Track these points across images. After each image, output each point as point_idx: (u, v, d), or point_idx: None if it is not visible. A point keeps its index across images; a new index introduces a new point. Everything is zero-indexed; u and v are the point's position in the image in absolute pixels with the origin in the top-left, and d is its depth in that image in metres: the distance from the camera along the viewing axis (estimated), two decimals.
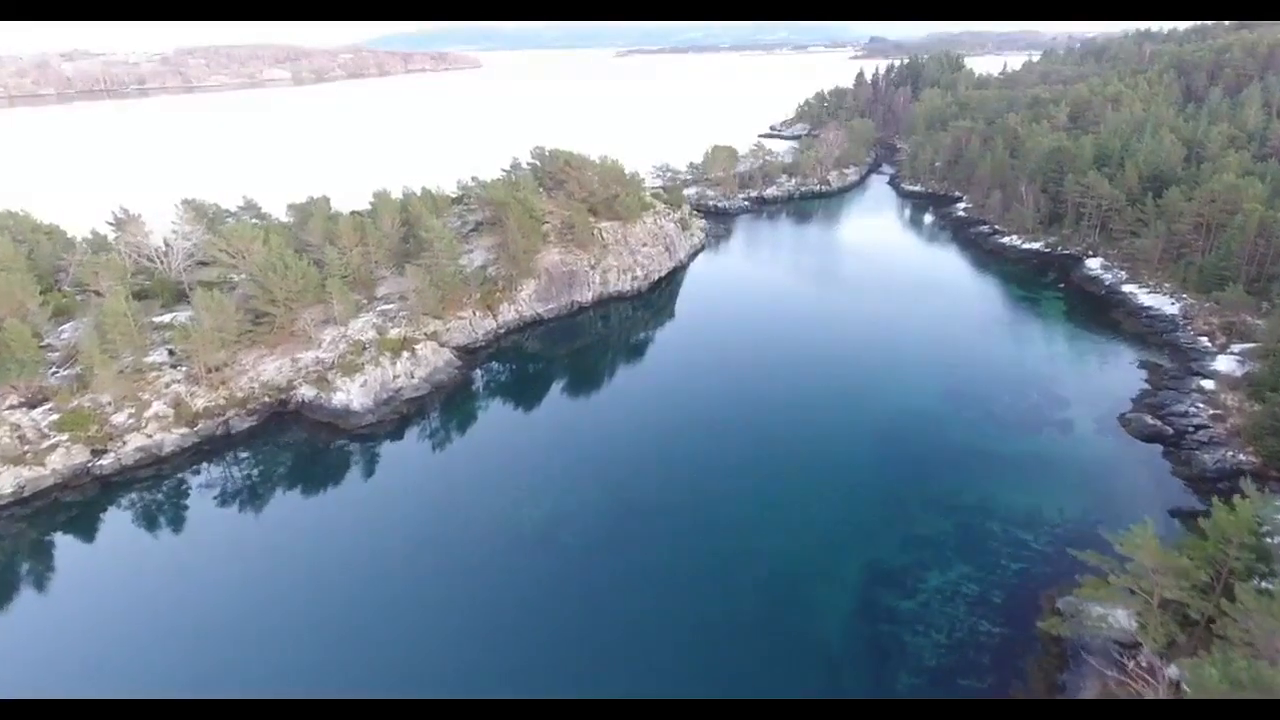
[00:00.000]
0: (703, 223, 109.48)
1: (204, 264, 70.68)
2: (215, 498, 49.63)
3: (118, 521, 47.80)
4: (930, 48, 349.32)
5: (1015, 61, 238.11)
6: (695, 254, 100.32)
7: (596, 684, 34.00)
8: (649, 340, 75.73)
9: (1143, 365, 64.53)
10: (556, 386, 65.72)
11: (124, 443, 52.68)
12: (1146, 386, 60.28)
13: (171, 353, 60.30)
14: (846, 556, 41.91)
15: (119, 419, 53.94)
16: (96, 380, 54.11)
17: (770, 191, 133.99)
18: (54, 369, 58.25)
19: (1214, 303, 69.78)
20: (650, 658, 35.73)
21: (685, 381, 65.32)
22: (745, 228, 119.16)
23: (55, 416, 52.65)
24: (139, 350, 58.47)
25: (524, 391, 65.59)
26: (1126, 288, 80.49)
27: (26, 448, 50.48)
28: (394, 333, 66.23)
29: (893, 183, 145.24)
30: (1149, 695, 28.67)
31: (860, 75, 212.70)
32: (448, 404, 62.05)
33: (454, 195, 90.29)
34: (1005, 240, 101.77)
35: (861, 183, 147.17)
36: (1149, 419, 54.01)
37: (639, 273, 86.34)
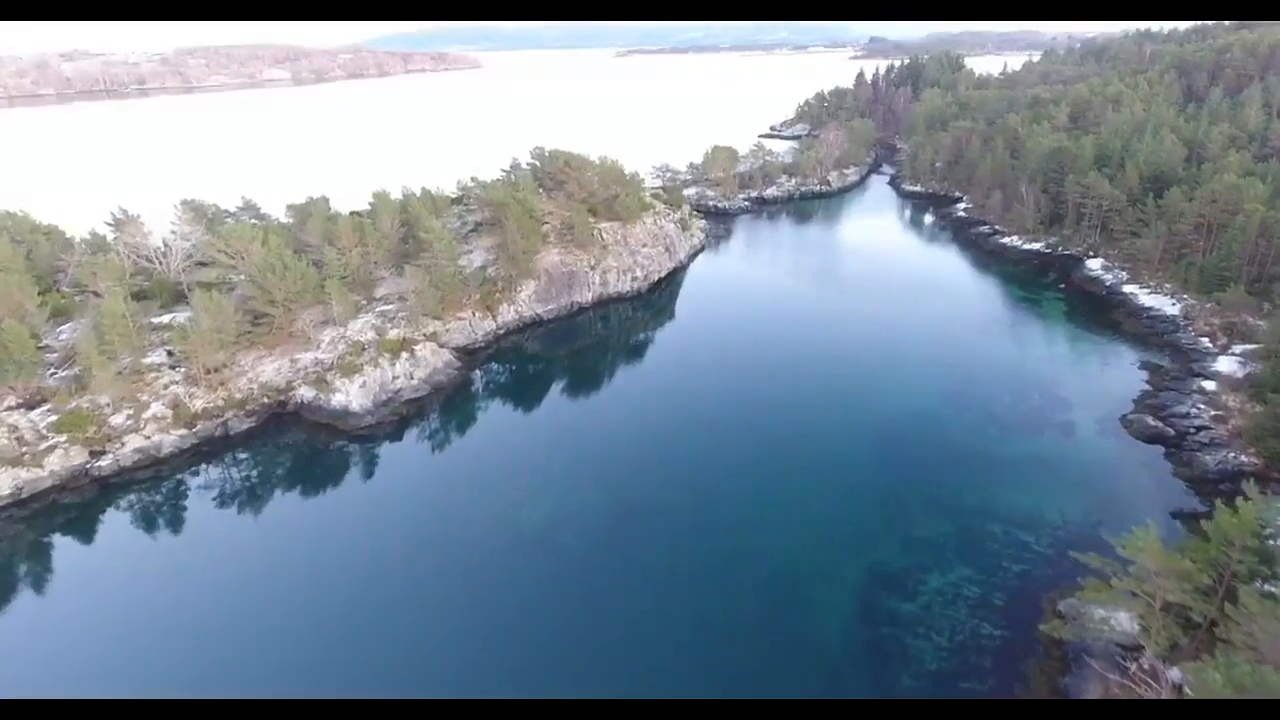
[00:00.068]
0: (703, 223, 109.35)
1: (203, 265, 70.54)
2: (214, 499, 49.50)
3: (116, 523, 47.66)
4: (930, 48, 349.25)
5: (1015, 62, 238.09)
6: (695, 254, 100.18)
7: (596, 684, 33.96)
8: (649, 341, 75.59)
9: (1144, 366, 64.41)
10: (556, 387, 65.58)
11: (122, 444, 52.55)
12: (1148, 387, 60.14)
13: (170, 354, 60.17)
14: (847, 557, 41.81)
15: (117, 420, 53.80)
16: (95, 381, 53.97)
17: (770, 192, 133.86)
18: (52, 370, 58.10)
19: (1215, 303, 69.65)
20: (650, 658, 35.67)
21: (685, 382, 65.19)
22: (745, 228, 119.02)
23: (53, 418, 52.50)
24: (137, 351, 58.33)
25: (523, 392, 65.46)
26: (1127, 288, 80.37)
27: (24, 449, 50.34)
28: (393, 334, 66.09)
29: (893, 183, 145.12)
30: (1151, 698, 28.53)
31: (860, 75, 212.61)
32: (447, 405, 61.91)
33: (453, 196, 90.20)
34: (1006, 241, 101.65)
35: (862, 183, 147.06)
36: (1150, 420, 53.88)
37: (639, 273, 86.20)
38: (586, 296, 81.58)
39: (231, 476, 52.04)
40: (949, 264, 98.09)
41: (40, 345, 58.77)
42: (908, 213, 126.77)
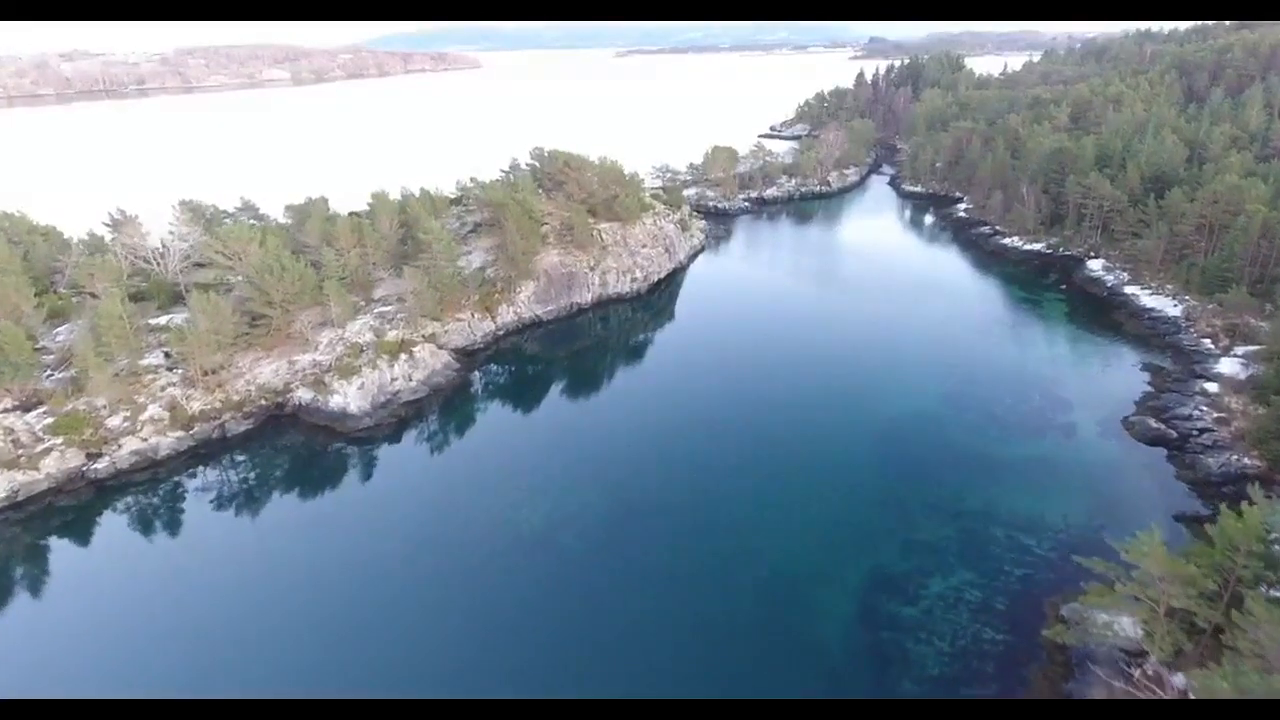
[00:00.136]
0: (702, 224, 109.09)
1: (200, 266, 70.30)
2: (211, 501, 49.23)
3: (113, 526, 47.37)
4: (930, 48, 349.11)
5: (1015, 62, 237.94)
6: (695, 255, 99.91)
7: (596, 684, 33.92)
8: (648, 342, 75.33)
9: (1145, 367, 64.15)
10: (555, 388, 65.31)
11: (119, 446, 52.26)
12: (1149, 389, 59.88)
13: (167, 355, 59.89)
14: (847, 559, 41.63)
15: (114, 422, 53.52)
16: (91, 383, 53.67)
17: (770, 192, 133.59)
18: (49, 372, 57.83)
19: (1217, 304, 69.37)
20: (650, 658, 35.61)
21: (685, 382, 64.96)
22: (745, 229, 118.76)
23: (49, 420, 52.22)
24: (134, 353, 58.04)
25: (523, 394, 65.19)
26: (1128, 289, 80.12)
27: (20, 451, 50.05)
28: (392, 335, 65.80)
29: (893, 183, 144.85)
30: None
31: (860, 76, 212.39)
32: (446, 407, 61.64)
33: (453, 196, 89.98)
34: (1006, 241, 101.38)
35: (862, 183, 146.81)
36: (1152, 422, 53.60)
37: (638, 274, 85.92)
38: (586, 297, 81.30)
39: (229, 479, 51.75)
40: (949, 265, 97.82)
41: (37, 347, 58.50)
42: (908, 213, 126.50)
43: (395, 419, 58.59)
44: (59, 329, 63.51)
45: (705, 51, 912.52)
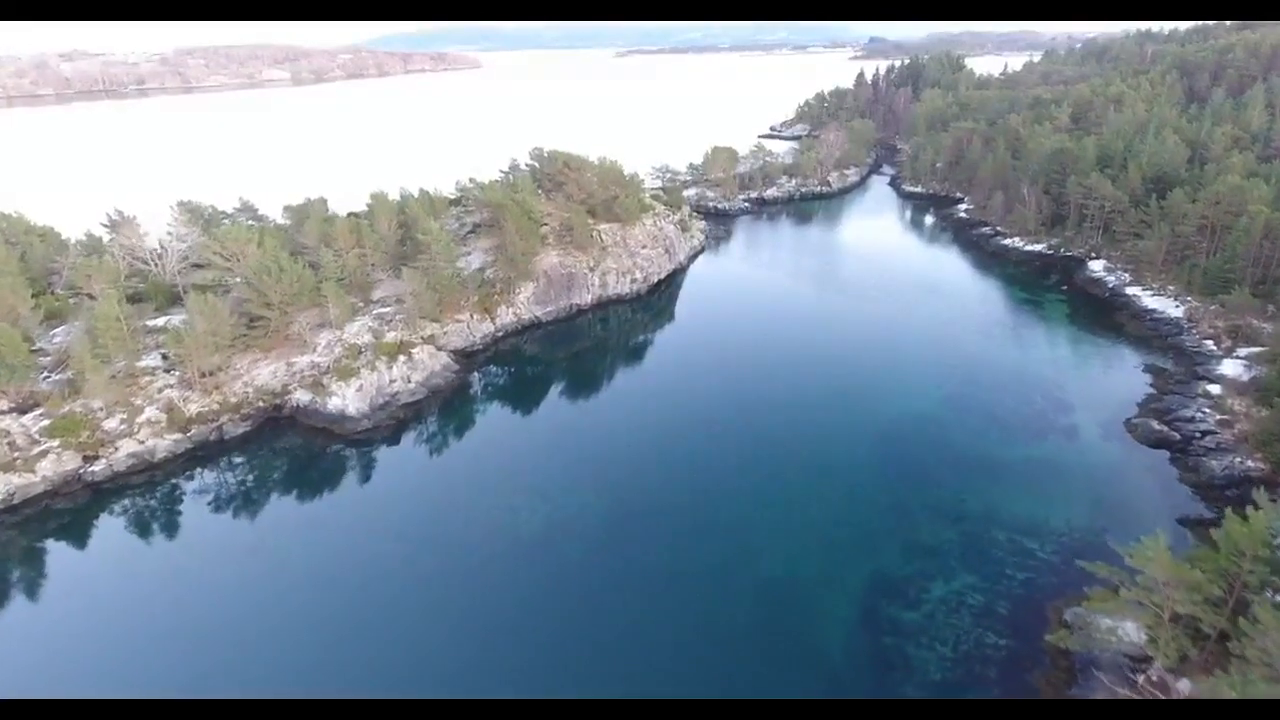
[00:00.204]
0: (702, 224, 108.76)
1: (199, 267, 69.99)
2: (209, 504, 48.94)
3: (110, 529, 47.10)
4: (930, 48, 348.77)
5: (1015, 62, 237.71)
6: (695, 256, 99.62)
7: (596, 684, 33.87)
8: (648, 343, 75.04)
9: (1147, 369, 63.86)
10: (555, 390, 65.03)
11: (116, 449, 51.96)
12: (1152, 391, 59.59)
13: (165, 357, 59.56)
14: (847, 561, 41.41)
15: (111, 424, 53.22)
16: (88, 385, 53.38)
17: (770, 193, 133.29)
18: (45, 374, 57.53)
19: (1219, 306, 69.11)
20: (650, 658, 35.50)
21: (685, 383, 64.70)
22: (745, 229, 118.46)
23: (46, 422, 51.93)
24: (132, 355, 57.75)
25: (522, 395, 64.91)
26: (1130, 290, 79.85)
27: (17, 454, 49.75)
28: (390, 336, 65.50)
29: (893, 184, 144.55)
30: None
31: (860, 76, 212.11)
32: (445, 408, 61.36)
33: (452, 197, 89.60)
34: (1007, 242, 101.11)
35: (862, 184, 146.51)
36: (1155, 424, 53.32)
37: (638, 275, 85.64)
38: (585, 298, 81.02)
39: (227, 481, 51.47)
40: (950, 265, 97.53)
41: (33, 349, 58.27)
42: (908, 214, 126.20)
43: (394, 421, 58.31)
44: (56, 330, 63.21)
45: (705, 51, 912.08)
